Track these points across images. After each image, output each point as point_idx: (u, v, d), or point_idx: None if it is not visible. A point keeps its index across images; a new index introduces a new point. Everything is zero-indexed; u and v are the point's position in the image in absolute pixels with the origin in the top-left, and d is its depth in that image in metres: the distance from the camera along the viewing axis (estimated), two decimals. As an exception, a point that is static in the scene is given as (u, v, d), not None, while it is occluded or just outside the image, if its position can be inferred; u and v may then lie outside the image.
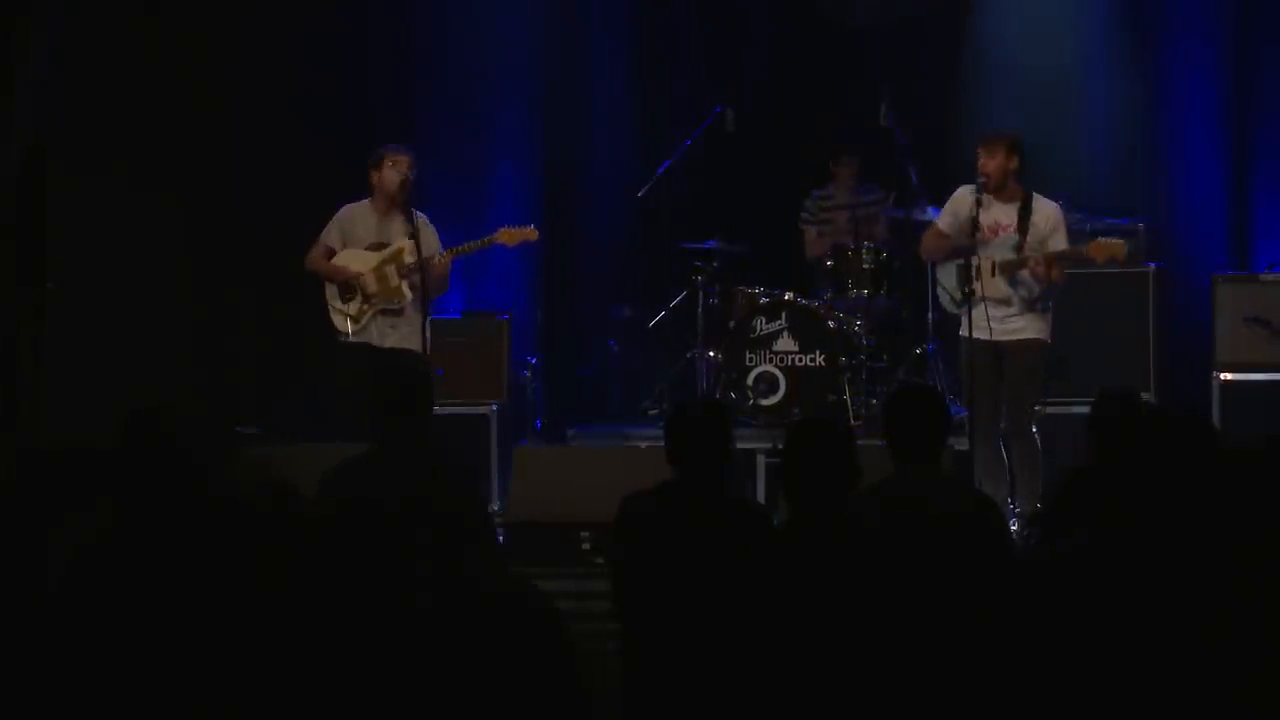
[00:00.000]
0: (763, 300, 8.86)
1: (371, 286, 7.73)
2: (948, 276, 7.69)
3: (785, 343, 8.71)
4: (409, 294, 7.68)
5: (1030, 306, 7.42)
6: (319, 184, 8.63)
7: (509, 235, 7.88)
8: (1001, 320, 7.39)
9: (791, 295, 8.87)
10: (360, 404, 7.71)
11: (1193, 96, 9.34)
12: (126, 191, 9.09)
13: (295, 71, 9.37)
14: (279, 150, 9.35)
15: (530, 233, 7.91)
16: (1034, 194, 7.46)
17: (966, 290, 7.36)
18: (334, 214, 7.93)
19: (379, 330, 7.78)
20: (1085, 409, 8.23)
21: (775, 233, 9.68)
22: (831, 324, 8.77)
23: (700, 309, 9.09)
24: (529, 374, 9.19)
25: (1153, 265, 8.52)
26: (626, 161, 9.63)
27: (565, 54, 9.91)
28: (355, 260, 7.80)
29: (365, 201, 7.88)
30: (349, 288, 7.78)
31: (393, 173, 7.69)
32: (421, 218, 7.76)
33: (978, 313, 7.33)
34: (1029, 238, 7.38)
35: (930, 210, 8.87)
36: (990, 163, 7.39)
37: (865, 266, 8.92)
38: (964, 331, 7.45)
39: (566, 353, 9.68)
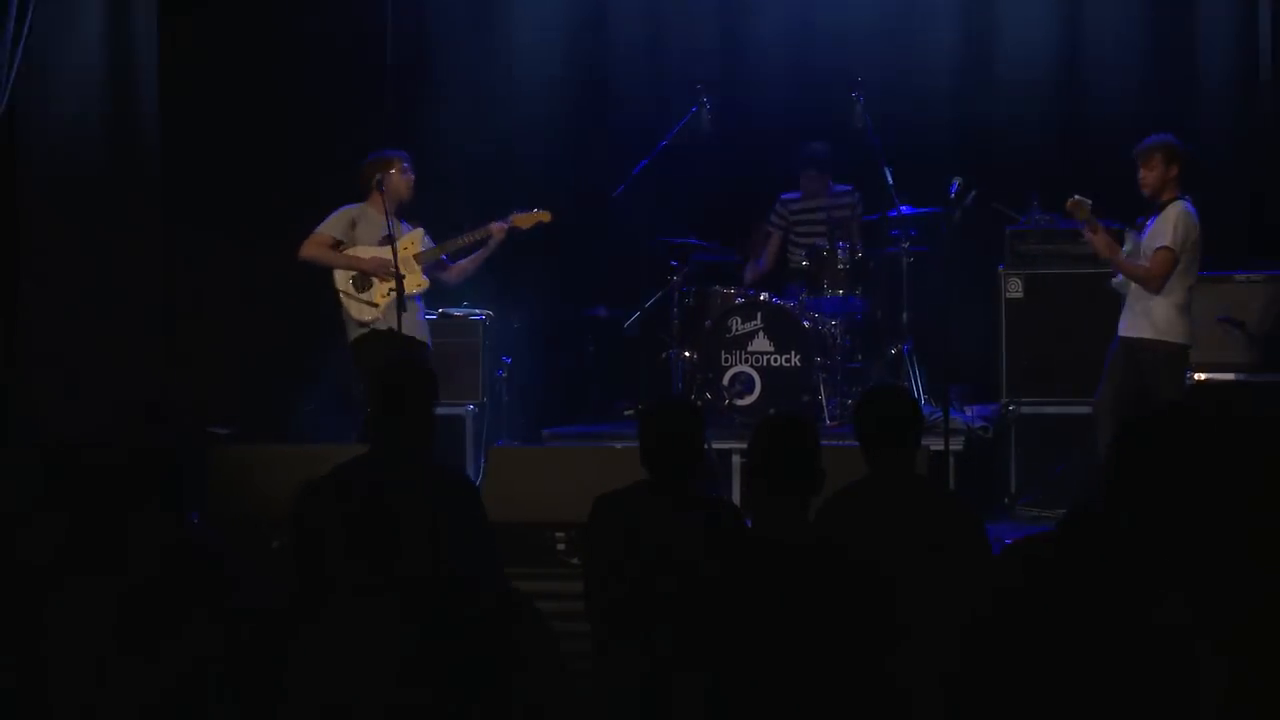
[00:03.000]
0: (738, 300, 8.86)
1: (407, 275, 7.86)
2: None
3: (761, 343, 8.72)
4: (427, 283, 8.02)
5: (1135, 304, 7.39)
6: (297, 187, 8.63)
7: (523, 219, 8.12)
8: (1126, 316, 7.46)
9: (767, 295, 8.89)
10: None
11: (1168, 96, 9.38)
12: (105, 195, 9.06)
13: (277, 79, 9.37)
14: (258, 154, 9.33)
15: (543, 215, 8.16)
16: (1180, 199, 7.36)
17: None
18: (333, 210, 8.04)
19: (394, 316, 7.87)
20: (1059, 409, 8.38)
21: (748, 234, 9.70)
22: (807, 324, 8.77)
23: (676, 309, 9.09)
24: (505, 374, 9.18)
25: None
26: (602, 161, 9.62)
27: (541, 53, 9.90)
28: (374, 253, 7.94)
29: (364, 204, 8.02)
30: (364, 277, 7.92)
31: (404, 178, 8.01)
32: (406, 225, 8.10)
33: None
34: (1144, 240, 7.39)
35: (904, 209, 8.89)
36: (1149, 173, 7.38)
37: (841, 267, 8.93)
38: None
39: (542, 353, 9.67)
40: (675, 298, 9.10)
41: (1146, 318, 7.36)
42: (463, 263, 8.18)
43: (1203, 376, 8.30)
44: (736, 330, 8.75)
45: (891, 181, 8.86)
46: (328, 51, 9.47)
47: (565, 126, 9.97)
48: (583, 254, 9.78)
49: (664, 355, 9.15)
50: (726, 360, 8.73)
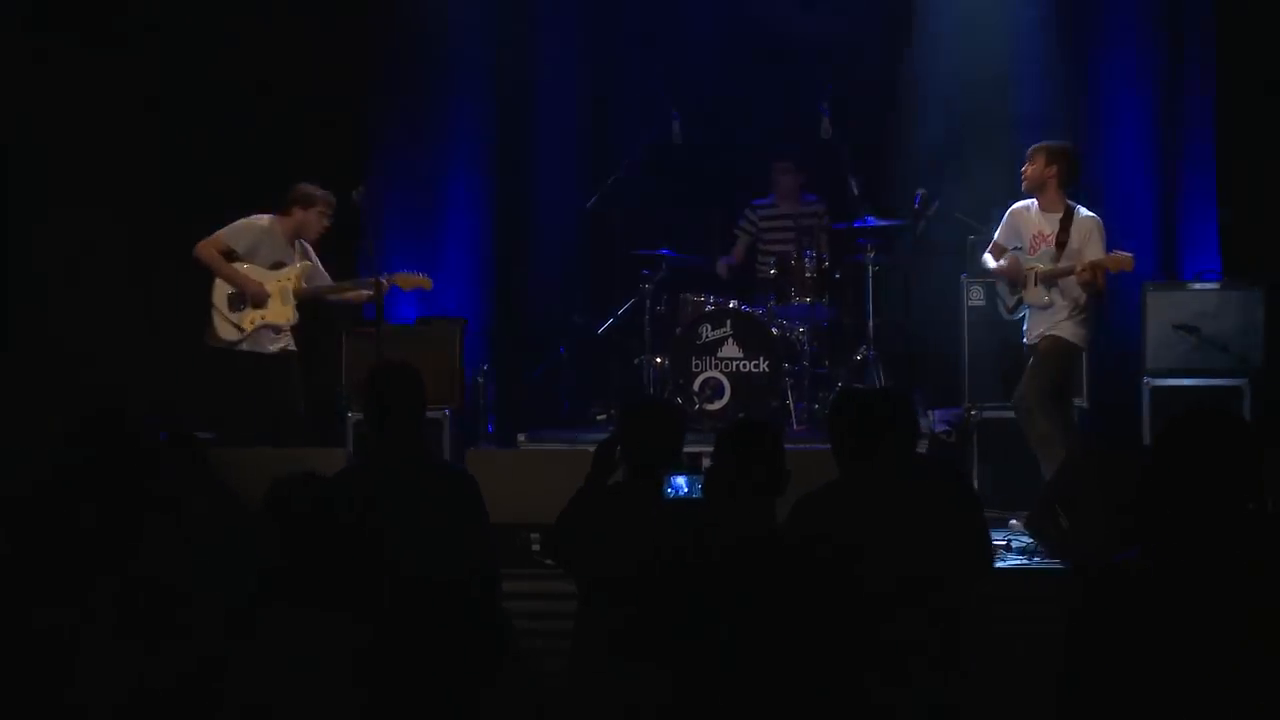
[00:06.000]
0: (708, 308, 9.03)
1: (274, 306, 8.10)
2: (1002, 286, 7.93)
3: (730, 349, 8.88)
4: (296, 317, 8.20)
5: (1068, 313, 7.60)
6: (272, 190, 8.69)
7: (404, 280, 8.26)
8: (1038, 325, 7.66)
9: (736, 303, 9.05)
10: (247, 410, 8.04)
11: (1122, 107, 9.52)
12: (75, 197, 9.11)
13: (247, 79, 9.40)
14: (232, 157, 9.37)
15: (423, 280, 8.30)
16: (1076, 206, 7.65)
17: (1015, 298, 7.75)
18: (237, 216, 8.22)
19: (265, 339, 8.18)
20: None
21: (721, 242, 9.87)
22: (775, 331, 8.94)
23: (648, 316, 9.24)
24: (481, 379, 9.27)
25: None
26: (576, 172, 9.75)
27: (516, 64, 9.98)
28: (259, 276, 8.14)
29: (273, 219, 8.22)
30: (240, 298, 8.13)
31: (321, 221, 8.21)
32: (307, 248, 8.30)
33: (1027, 319, 7.70)
34: (1065, 249, 7.59)
35: (869, 220, 9.07)
36: (1029, 168, 7.66)
37: (808, 275, 9.08)
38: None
39: (518, 358, 9.79)
40: (647, 305, 9.25)
41: (1065, 322, 7.58)
42: (342, 297, 8.40)
43: (1159, 383, 8.46)
44: (707, 337, 8.91)
45: (858, 192, 9.02)
46: (298, 56, 9.42)
47: (539, 137, 10.06)
48: (558, 261, 9.91)
49: (636, 361, 9.30)
50: (697, 366, 8.90)
